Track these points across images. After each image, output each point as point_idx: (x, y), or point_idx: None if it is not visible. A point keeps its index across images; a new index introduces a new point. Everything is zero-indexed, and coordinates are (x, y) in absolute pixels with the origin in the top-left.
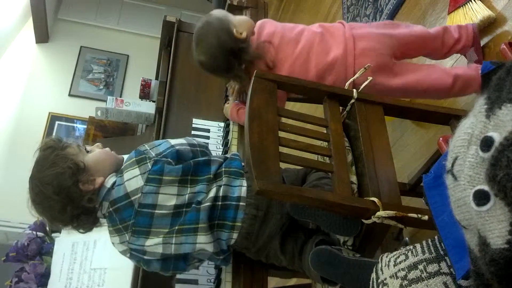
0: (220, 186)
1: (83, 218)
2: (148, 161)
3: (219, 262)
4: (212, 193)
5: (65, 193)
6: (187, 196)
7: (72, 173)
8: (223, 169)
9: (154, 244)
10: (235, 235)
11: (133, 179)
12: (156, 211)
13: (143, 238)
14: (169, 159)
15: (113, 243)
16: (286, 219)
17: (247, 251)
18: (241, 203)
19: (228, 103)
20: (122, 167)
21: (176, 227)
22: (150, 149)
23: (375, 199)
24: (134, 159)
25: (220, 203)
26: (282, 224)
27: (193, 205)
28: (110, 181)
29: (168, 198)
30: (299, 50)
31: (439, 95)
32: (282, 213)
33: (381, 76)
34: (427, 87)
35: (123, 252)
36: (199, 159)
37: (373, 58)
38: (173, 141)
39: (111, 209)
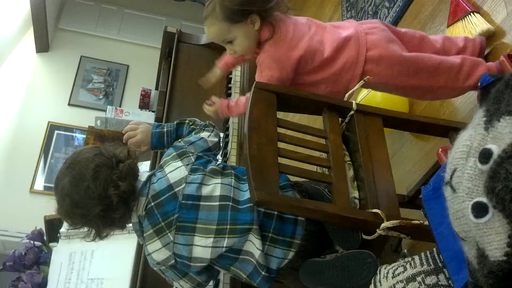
0: None
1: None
2: (190, 155)
3: (259, 280)
4: None
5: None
6: (232, 188)
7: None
8: None
9: (204, 245)
10: (291, 254)
11: (176, 170)
12: (202, 203)
13: (189, 236)
14: (210, 158)
15: (150, 253)
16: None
17: (291, 272)
18: (299, 218)
19: (209, 106)
20: (162, 162)
21: (228, 227)
22: (187, 146)
23: (378, 211)
24: (175, 153)
25: (276, 212)
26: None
27: (246, 205)
28: (144, 174)
29: (213, 188)
30: (313, 31)
31: (449, 76)
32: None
33: (393, 46)
34: (439, 62)
35: (163, 262)
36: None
37: (380, 34)
38: (207, 137)
39: (152, 204)
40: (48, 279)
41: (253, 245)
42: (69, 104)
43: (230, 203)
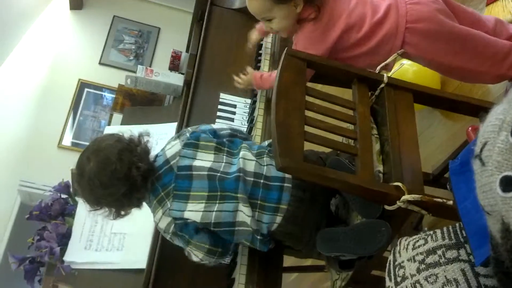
0: (262, 165)
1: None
2: (187, 133)
3: (258, 244)
4: (251, 167)
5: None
6: (223, 164)
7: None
8: (266, 150)
9: (195, 210)
10: (278, 219)
11: (173, 147)
12: (194, 173)
13: (183, 203)
14: (206, 131)
15: (157, 223)
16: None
17: (289, 237)
18: (285, 184)
19: (243, 75)
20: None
21: (219, 193)
22: (189, 128)
23: (400, 184)
24: (175, 135)
25: (262, 181)
26: (326, 212)
27: (233, 175)
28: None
29: (204, 162)
30: (353, 4)
31: (494, 61)
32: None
33: (443, 17)
34: (487, 43)
35: (166, 229)
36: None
37: (429, 5)
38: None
39: (153, 178)
40: (72, 230)
41: (244, 214)
42: (100, 63)
43: (218, 174)
